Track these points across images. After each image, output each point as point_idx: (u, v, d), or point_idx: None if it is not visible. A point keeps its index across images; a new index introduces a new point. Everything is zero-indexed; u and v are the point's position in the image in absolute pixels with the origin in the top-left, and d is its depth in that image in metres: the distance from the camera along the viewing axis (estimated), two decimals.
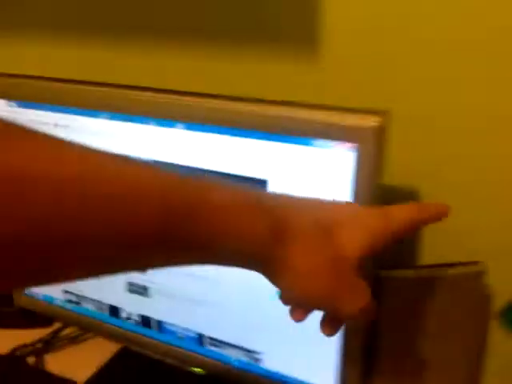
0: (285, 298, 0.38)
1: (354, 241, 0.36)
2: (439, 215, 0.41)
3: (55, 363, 0.77)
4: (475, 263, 0.52)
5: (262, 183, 0.49)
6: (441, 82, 0.54)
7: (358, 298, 0.37)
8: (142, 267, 0.31)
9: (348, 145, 0.43)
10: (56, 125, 0.57)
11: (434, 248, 0.62)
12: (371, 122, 0.42)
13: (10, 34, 0.80)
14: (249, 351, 0.60)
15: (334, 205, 0.39)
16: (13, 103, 0.60)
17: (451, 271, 0.52)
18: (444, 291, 0.52)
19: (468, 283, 0.52)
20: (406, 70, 0.56)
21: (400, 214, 0.39)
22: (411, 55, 0.55)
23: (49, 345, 0.80)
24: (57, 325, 0.83)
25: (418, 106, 0.56)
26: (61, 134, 0.54)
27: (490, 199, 0.57)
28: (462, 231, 0.59)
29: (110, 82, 0.55)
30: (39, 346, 0.79)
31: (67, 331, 0.82)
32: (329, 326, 0.40)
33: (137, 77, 0.71)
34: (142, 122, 0.52)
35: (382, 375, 0.56)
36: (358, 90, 0.58)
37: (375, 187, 0.45)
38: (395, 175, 0.59)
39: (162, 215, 0.28)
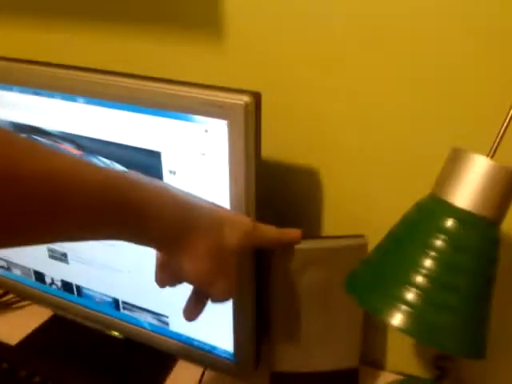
0: (176, 273, 0.46)
1: (233, 239, 0.46)
2: (294, 240, 0.54)
3: None
4: (359, 236, 0.56)
5: (157, 154, 0.53)
6: (339, 66, 0.58)
7: (227, 285, 0.46)
8: (89, 235, 0.39)
9: (221, 121, 0.47)
10: None
11: (333, 221, 0.66)
12: (241, 100, 0.46)
13: None
14: (157, 314, 0.65)
15: (223, 209, 0.48)
16: None
17: (335, 243, 0.56)
18: (329, 261, 0.56)
19: (351, 254, 0.56)
20: (303, 51, 0.59)
21: (266, 231, 0.51)
22: (310, 38, 0.58)
23: None
24: None
25: (307, 85, 0.60)
26: None
27: (371, 175, 0.61)
28: (353, 206, 0.64)
29: (31, 59, 0.58)
30: None
31: (6, 297, 0.86)
32: (194, 305, 0.50)
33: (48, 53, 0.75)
34: (48, 96, 0.55)
35: (275, 336, 0.60)
36: (259, 73, 0.62)
37: (251, 159, 0.49)
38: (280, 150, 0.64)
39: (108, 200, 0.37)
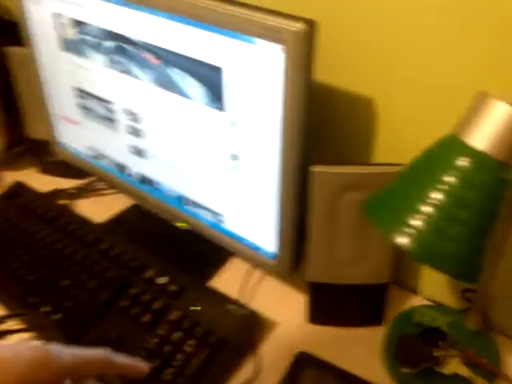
0: None
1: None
2: (135, 375, 0.47)
3: (81, 207, 0.95)
4: (397, 165, 0.60)
5: (218, 70, 0.59)
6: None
7: None
8: None
9: (277, 45, 0.52)
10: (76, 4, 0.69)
11: (386, 148, 0.70)
12: (296, 27, 0.50)
13: None
14: (214, 213, 0.74)
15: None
16: None
17: (373, 169, 0.60)
18: (366, 186, 0.60)
19: (388, 181, 0.60)
20: None
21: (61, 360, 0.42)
22: None
23: (79, 192, 0.98)
24: (91, 178, 1.00)
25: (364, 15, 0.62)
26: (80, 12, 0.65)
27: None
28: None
29: None
30: (72, 191, 0.98)
31: (96, 184, 0.99)
32: None
33: None
34: (137, 9, 0.63)
35: (311, 249, 0.67)
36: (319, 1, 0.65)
37: (304, 84, 0.53)
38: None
39: None
